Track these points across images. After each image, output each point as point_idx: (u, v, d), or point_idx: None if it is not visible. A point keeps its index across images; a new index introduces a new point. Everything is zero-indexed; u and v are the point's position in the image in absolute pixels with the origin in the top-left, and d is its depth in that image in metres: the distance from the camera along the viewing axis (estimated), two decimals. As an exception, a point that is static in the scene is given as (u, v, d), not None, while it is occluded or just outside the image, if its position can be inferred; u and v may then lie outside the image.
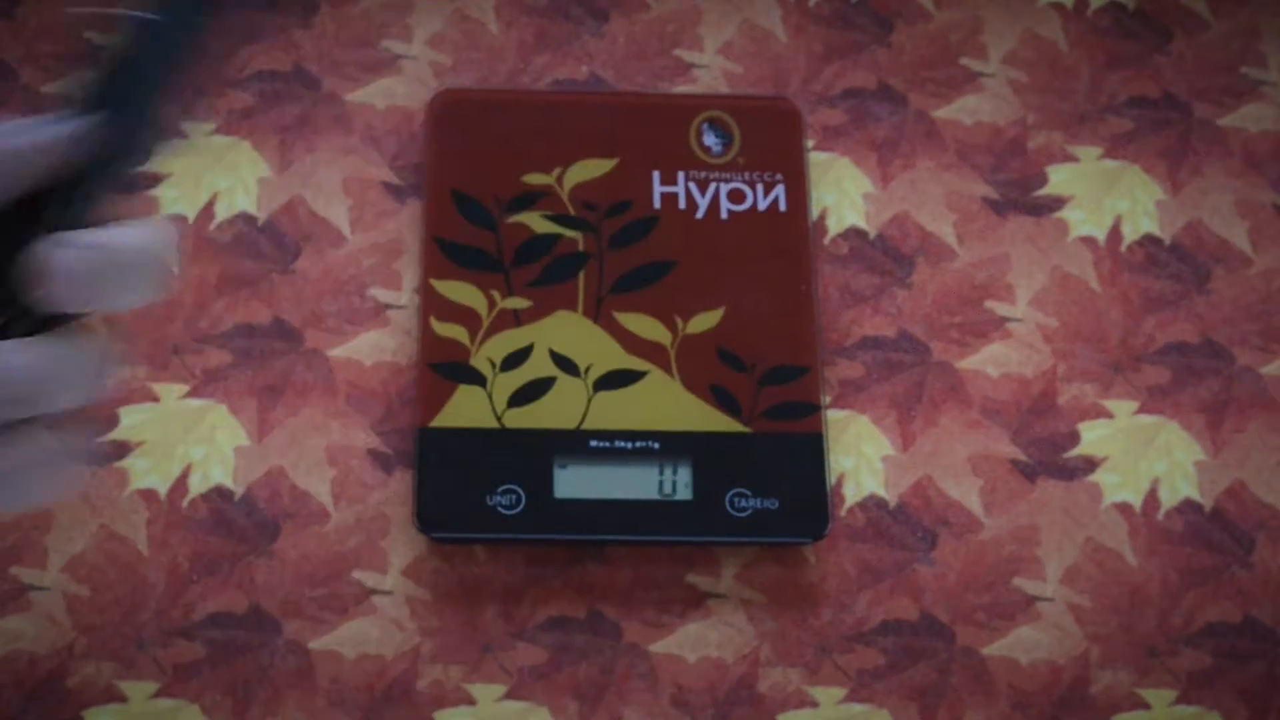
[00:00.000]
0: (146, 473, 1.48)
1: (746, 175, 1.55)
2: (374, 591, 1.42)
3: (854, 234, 1.58)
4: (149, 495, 1.47)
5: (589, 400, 1.42)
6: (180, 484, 1.48)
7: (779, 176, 1.55)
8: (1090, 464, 1.48)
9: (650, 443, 1.41)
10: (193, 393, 1.52)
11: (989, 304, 1.54)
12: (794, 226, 1.53)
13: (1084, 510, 1.45)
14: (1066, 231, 1.58)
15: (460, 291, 1.49)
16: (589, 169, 1.53)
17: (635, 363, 1.43)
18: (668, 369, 1.43)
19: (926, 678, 1.38)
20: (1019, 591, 1.42)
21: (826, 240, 1.58)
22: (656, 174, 1.54)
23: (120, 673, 1.39)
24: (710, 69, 1.67)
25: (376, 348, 1.54)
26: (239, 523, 1.47)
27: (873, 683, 1.38)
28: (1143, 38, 1.69)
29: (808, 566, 1.43)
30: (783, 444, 1.41)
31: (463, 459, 1.41)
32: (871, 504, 1.46)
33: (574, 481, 1.40)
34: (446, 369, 1.45)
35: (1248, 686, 1.38)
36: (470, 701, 1.37)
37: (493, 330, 1.46)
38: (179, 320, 1.57)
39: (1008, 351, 1.51)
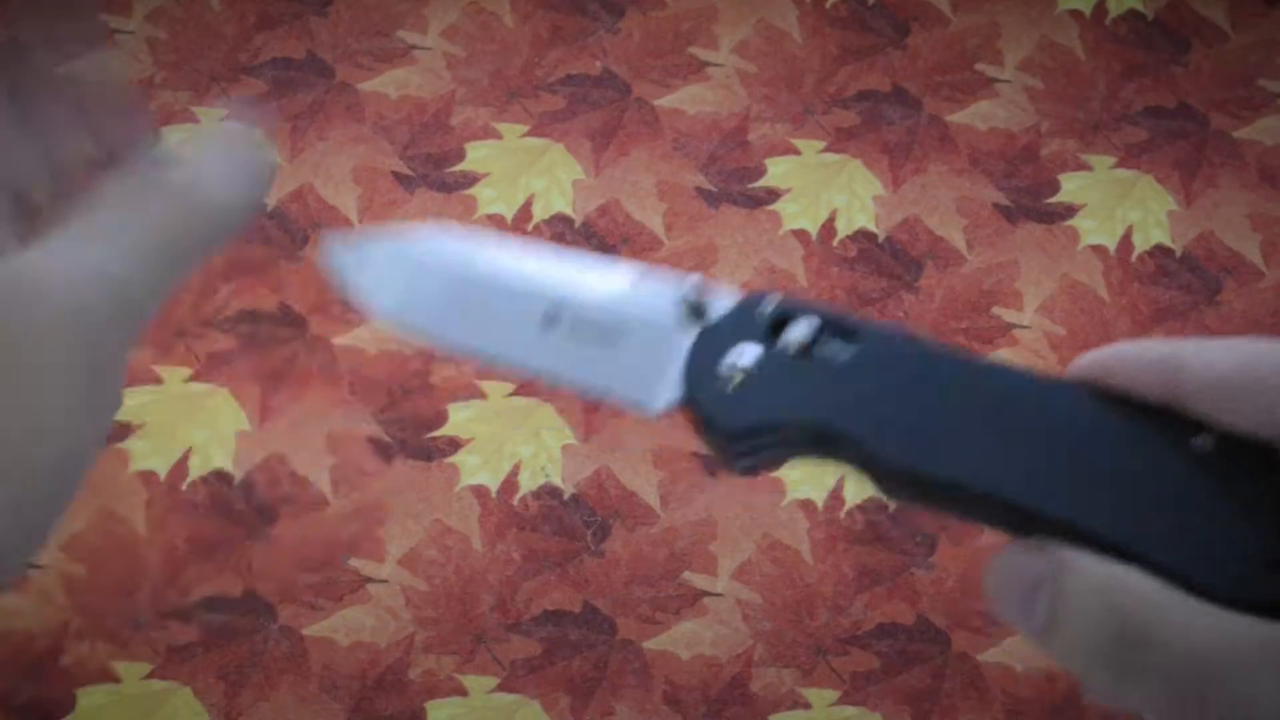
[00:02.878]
0: (147, 455, 1.48)
1: None
2: (370, 580, 1.42)
3: (863, 236, 1.57)
4: (148, 477, 1.47)
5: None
6: (180, 466, 1.48)
7: None
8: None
9: None
10: (196, 376, 1.52)
11: (996, 310, 1.53)
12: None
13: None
14: (1077, 240, 1.57)
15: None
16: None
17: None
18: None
19: (920, 682, 1.38)
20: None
21: (835, 242, 1.57)
22: None
23: (114, 653, 1.39)
24: (724, 67, 1.66)
25: (381, 337, 1.54)
26: (237, 507, 1.47)
27: (866, 686, 1.37)
28: (1161, 48, 1.68)
29: (805, 568, 1.43)
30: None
31: None
32: (871, 507, 1.45)
33: None
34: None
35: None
36: (462, 692, 1.37)
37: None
38: (184, 304, 1.57)
39: (1014, 358, 1.50)
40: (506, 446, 1.49)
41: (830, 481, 1.46)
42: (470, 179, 1.62)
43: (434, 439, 1.50)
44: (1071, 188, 1.60)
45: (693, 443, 1.50)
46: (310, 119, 1.63)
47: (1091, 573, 0.37)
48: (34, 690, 1.36)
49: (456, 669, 1.38)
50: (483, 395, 1.52)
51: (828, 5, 1.70)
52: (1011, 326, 1.53)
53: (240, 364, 1.53)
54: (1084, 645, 0.37)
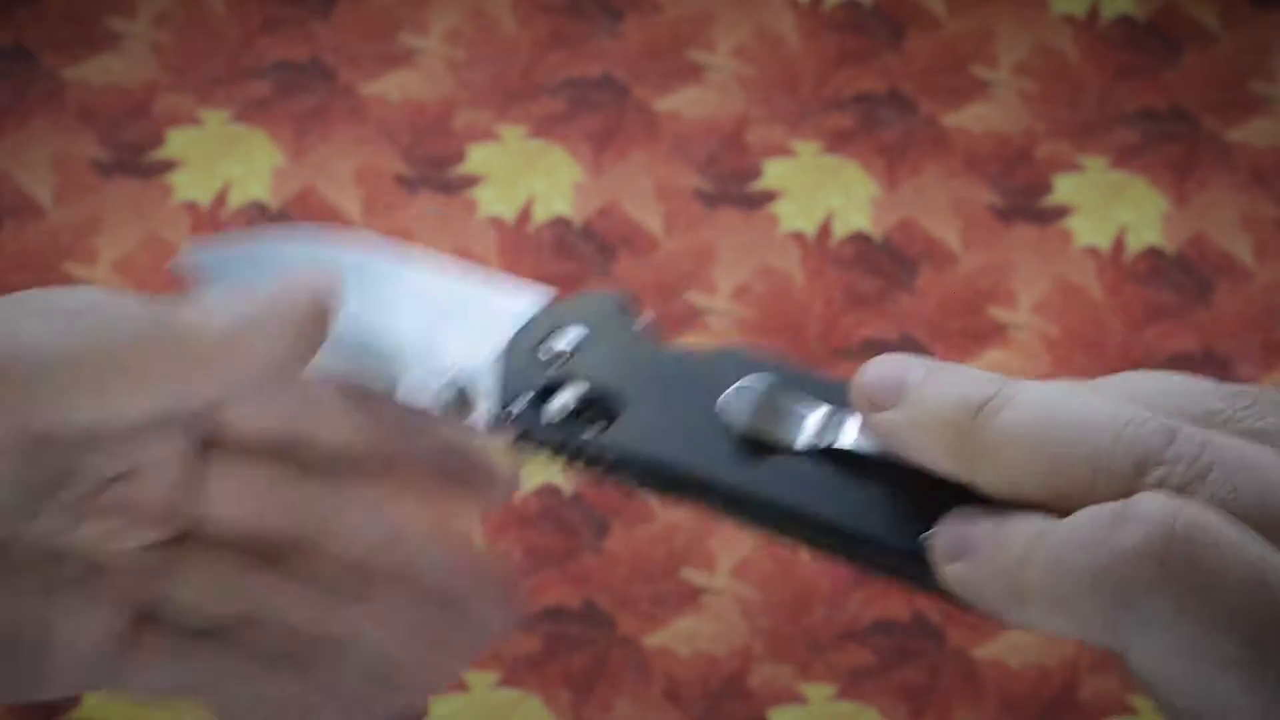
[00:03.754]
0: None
1: None
2: (372, 577, 1.44)
3: (859, 237, 1.59)
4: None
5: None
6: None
7: None
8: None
9: None
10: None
11: (991, 310, 1.55)
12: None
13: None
14: (1070, 241, 1.59)
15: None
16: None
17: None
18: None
19: (916, 677, 1.39)
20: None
21: (832, 243, 1.59)
22: None
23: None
24: (722, 70, 1.68)
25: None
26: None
27: (863, 681, 1.39)
28: (1153, 50, 1.70)
29: (803, 565, 1.44)
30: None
31: None
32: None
33: None
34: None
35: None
36: (464, 688, 1.38)
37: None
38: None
39: (1008, 358, 1.52)
40: (507, 445, 1.50)
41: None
42: (471, 181, 1.64)
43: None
44: (1065, 189, 1.62)
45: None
46: (313, 122, 1.65)
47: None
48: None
49: (458, 665, 1.40)
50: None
51: (824, 9, 1.72)
52: (1006, 327, 1.55)
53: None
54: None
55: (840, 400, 0.42)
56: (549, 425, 0.44)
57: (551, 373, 0.45)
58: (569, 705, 1.38)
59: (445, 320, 0.48)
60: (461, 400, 0.46)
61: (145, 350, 0.40)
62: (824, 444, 0.41)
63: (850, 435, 0.40)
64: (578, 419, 0.45)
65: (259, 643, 0.43)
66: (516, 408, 0.45)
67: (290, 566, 0.44)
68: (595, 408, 0.45)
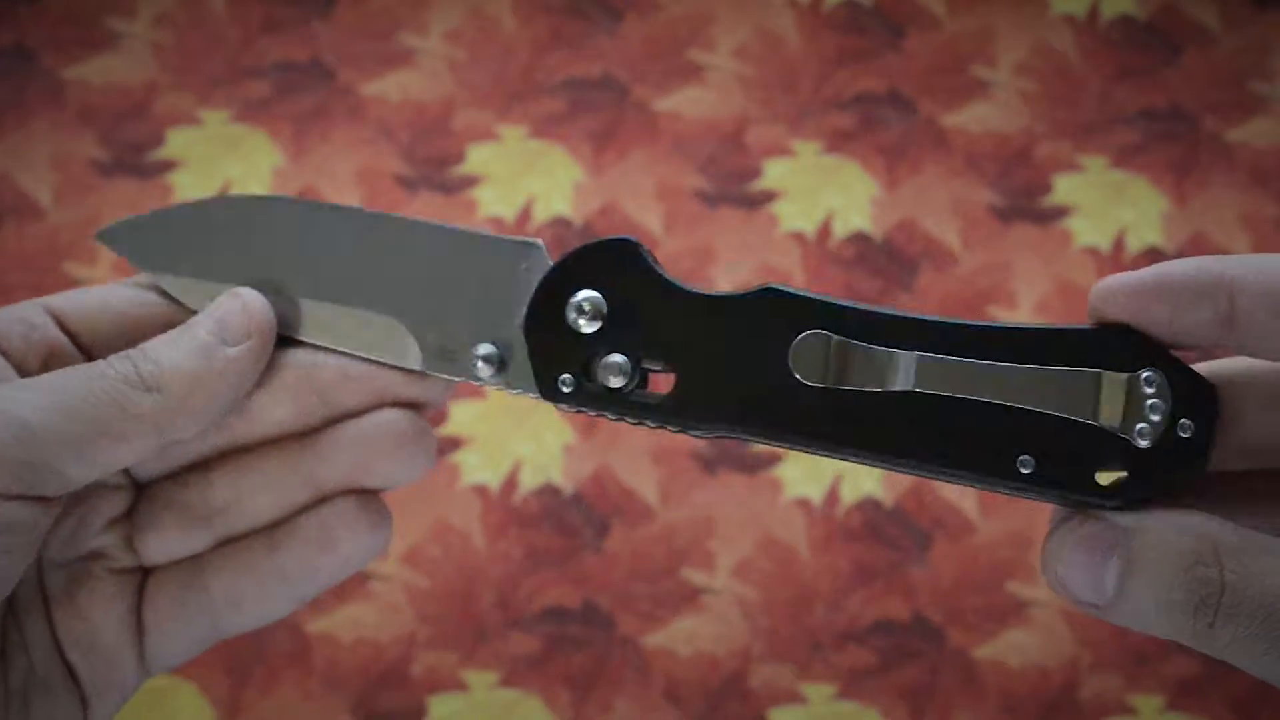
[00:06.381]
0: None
1: None
2: (373, 577, 1.44)
3: (859, 238, 1.59)
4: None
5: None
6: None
7: None
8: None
9: None
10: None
11: (991, 310, 1.54)
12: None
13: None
14: (1070, 240, 1.59)
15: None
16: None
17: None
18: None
19: (916, 678, 1.39)
20: (1011, 595, 1.43)
21: (832, 243, 1.59)
22: None
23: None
24: (722, 70, 1.68)
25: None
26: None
27: (863, 681, 1.39)
28: (1153, 50, 1.70)
29: (802, 565, 1.44)
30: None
31: None
32: (869, 505, 1.47)
33: None
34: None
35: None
36: (464, 688, 1.38)
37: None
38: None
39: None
40: (507, 445, 1.51)
41: (828, 480, 1.48)
42: (471, 181, 1.64)
43: (436, 438, 1.51)
44: (1065, 189, 1.62)
45: (691, 442, 1.51)
46: (313, 122, 1.65)
47: (1167, 525, 0.37)
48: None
49: (458, 665, 1.40)
50: (483, 395, 1.54)
51: (824, 9, 1.72)
52: (1006, 326, 1.54)
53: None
54: (1164, 600, 0.36)
55: (902, 338, 0.41)
56: (607, 390, 0.44)
57: (589, 333, 0.44)
58: (569, 705, 1.38)
59: (445, 281, 0.47)
60: (499, 365, 0.46)
61: (122, 413, 0.44)
62: (903, 386, 0.41)
63: (925, 377, 0.41)
64: (632, 380, 0.44)
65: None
66: (568, 380, 0.45)
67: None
68: (647, 364, 0.44)
